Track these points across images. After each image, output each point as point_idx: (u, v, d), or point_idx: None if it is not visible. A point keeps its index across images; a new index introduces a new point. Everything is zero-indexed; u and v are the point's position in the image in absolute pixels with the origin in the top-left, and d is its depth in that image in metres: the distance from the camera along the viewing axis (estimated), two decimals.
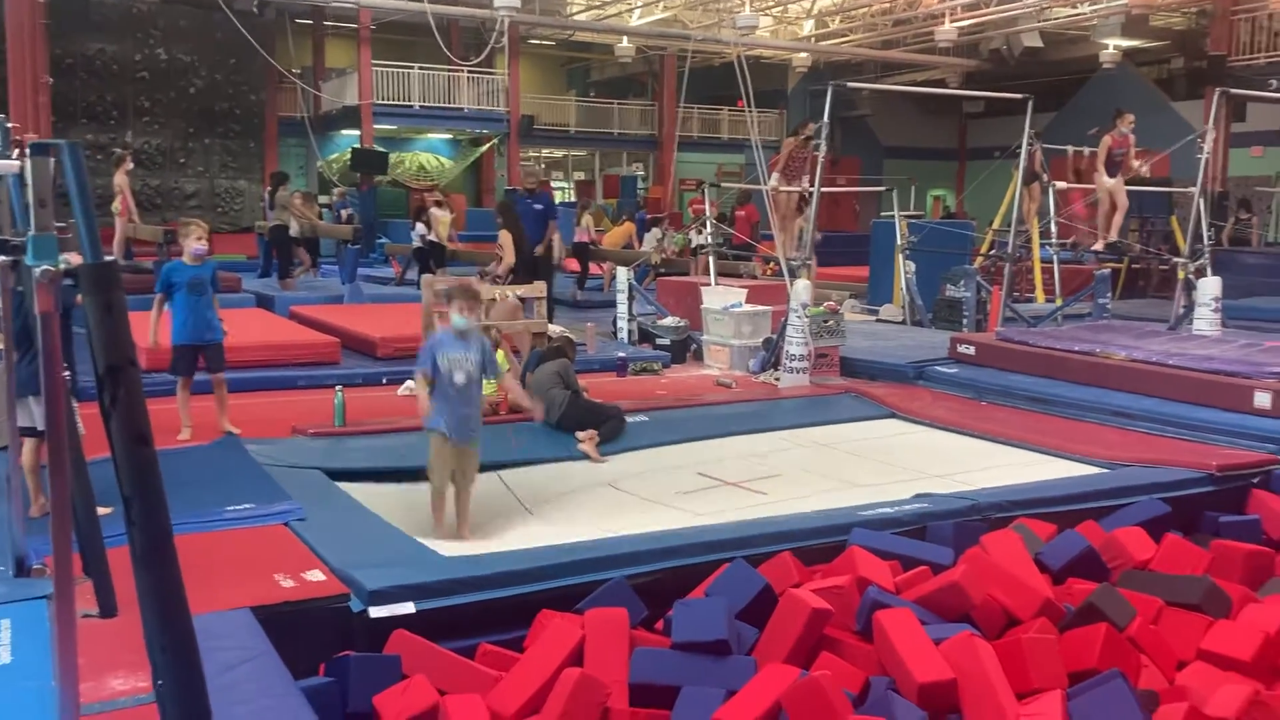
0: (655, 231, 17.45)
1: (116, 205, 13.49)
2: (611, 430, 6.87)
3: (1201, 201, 10.51)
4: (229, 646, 3.26)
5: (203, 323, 6.29)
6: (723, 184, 17.30)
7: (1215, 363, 7.37)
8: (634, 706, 3.48)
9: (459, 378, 5.23)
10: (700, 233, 15.33)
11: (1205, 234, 10.73)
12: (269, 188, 16.42)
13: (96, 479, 3.47)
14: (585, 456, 6.60)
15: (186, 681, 1.78)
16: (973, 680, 3.39)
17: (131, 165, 14.04)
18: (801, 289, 8.75)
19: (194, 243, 6.30)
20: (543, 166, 31.23)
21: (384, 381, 8.34)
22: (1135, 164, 11.42)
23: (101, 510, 3.54)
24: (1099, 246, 11.91)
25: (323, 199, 20.20)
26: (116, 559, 3.40)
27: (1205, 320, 9.65)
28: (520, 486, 6.09)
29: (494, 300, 8.11)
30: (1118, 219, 11.58)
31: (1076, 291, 12.92)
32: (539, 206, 11.34)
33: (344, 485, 5.62)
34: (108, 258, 1.79)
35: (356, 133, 23.28)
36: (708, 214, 13.77)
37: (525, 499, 5.91)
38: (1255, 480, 5.94)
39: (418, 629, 3.72)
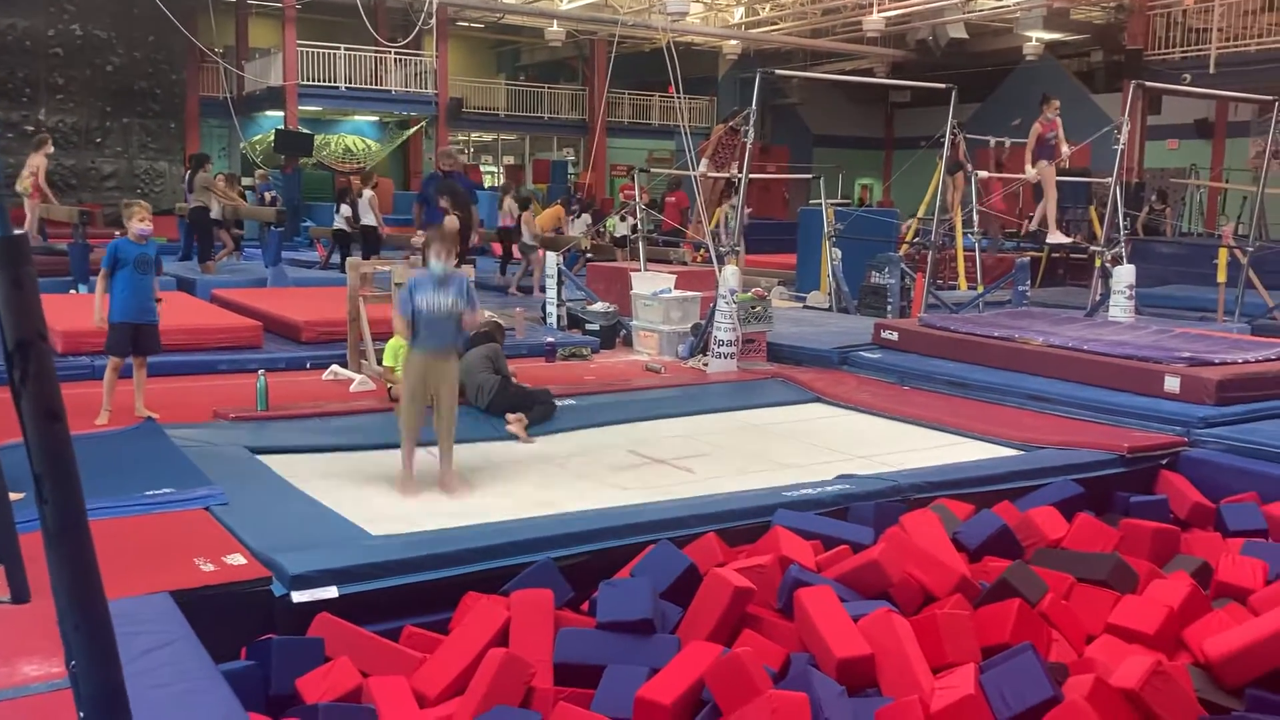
0: (585, 217, 17.43)
1: (25, 185, 13.04)
2: (541, 414, 6.88)
3: (1118, 191, 10.78)
4: (148, 631, 3.22)
5: (144, 302, 6.28)
6: (653, 170, 17.31)
7: (1128, 348, 7.59)
8: (559, 685, 3.51)
9: (439, 311, 5.44)
10: (627, 219, 15.34)
11: (1121, 223, 11.02)
12: (189, 169, 16.08)
13: (8, 464, 3.40)
14: (514, 438, 6.60)
15: (101, 659, 1.76)
16: (890, 655, 3.47)
17: (51, 149, 13.60)
18: (730, 275, 8.82)
19: (137, 223, 6.30)
20: (471, 150, 30.99)
21: (308, 366, 8.26)
22: (1065, 149, 11.60)
23: (13, 495, 3.46)
24: (1047, 235, 12.03)
25: (246, 181, 19.80)
26: (29, 545, 3.34)
27: (1120, 307, 9.92)
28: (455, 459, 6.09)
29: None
30: (1051, 207, 11.80)
31: (998, 279, 13.19)
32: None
33: (268, 459, 5.60)
34: (17, 232, 1.75)
35: (281, 114, 22.88)
36: (637, 200, 13.79)
37: (461, 469, 5.93)
38: (1164, 461, 6.14)
39: (341, 612, 3.70)
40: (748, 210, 12.09)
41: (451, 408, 5.52)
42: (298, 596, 3.74)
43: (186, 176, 15.89)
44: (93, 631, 1.78)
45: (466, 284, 5.64)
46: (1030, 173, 11.56)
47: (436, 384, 5.46)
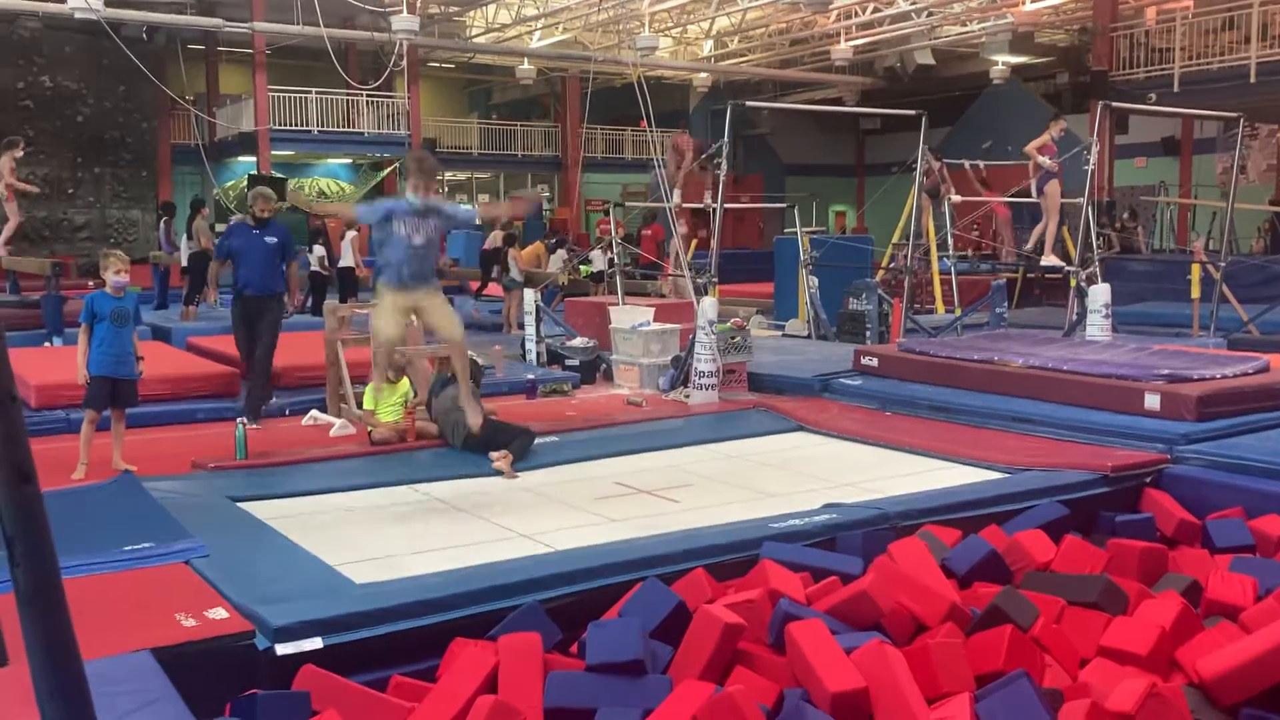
0: (560, 253, 17.43)
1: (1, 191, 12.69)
2: (521, 447, 6.85)
3: (1090, 211, 10.87)
4: (128, 690, 3.15)
5: (122, 355, 6.23)
6: (627, 204, 17.37)
7: (1107, 367, 7.62)
8: None
9: (418, 239, 5.44)
10: (605, 253, 15.35)
11: (1095, 243, 11.10)
12: (163, 217, 16.03)
13: None
14: (498, 473, 6.56)
15: None
16: (883, 688, 3.44)
17: (21, 153, 12.95)
18: (708, 306, 8.83)
19: (113, 275, 6.26)
20: (446, 189, 31.04)
21: (286, 413, 8.18)
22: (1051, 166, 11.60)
23: None
24: (1042, 258, 12.08)
25: (220, 227, 19.75)
26: (6, 606, 3.27)
27: (1097, 326, 9.96)
28: (438, 496, 6.10)
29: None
30: (1051, 230, 11.86)
31: (974, 302, 13.26)
32: (271, 239, 7.98)
33: (249, 507, 5.56)
34: None
35: (254, 159, 22.85)
36: (614, 235, 13.81)
37: (445, 505, 5.92)
38: (1148, 479, 6.14)
39: (327, 663, 3.64)
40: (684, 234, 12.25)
41: (461, 341, 5.59)
42: (282, 649, 3.67)
43: (161, 225, 15.82)
44: (69, 698, 1.73)
45: (446, 210, 5.76)
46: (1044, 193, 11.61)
47: (430, 320, 5.52)
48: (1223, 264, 11.77)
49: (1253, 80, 17.35)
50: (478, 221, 6.10)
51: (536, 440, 7.04)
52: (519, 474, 6.59)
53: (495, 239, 14.74)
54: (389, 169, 25.78)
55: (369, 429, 7.15)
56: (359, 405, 7.57)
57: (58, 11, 17.94)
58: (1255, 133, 21.79)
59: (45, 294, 11.82)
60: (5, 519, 1.72)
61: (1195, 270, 12.24)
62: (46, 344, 11.07)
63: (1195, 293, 12.18)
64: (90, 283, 18.85)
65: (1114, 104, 12.81)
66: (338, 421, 7.64)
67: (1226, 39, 18.30)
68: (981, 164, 16.30)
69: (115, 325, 6.17)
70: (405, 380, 7.40)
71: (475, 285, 15.46)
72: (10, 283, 13.78)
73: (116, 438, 6.31)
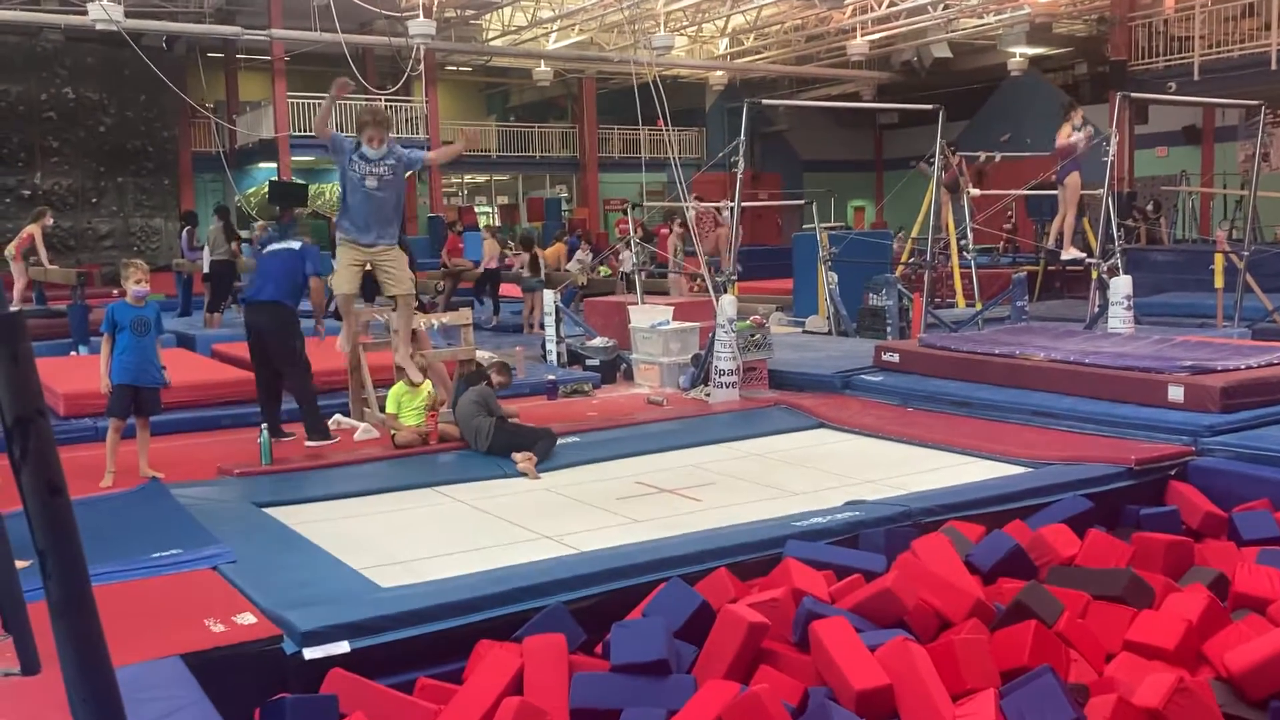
0: (580, 253, 17.46)
1: (10, 251, 13.11)
2: (544, 448, 6.88)
3: (1110, 202, 10.80)
4: (158, 697, 3.19)
5: (144, 363, 6.26)
6: (645, 204, 17.39)
7: (1129, 359, 7.57)
8: None
9: (370, 182, 5.68)
10: (624, 252, 15.38)
11: (1115, 234, 11.03)
12: (185, 225, 16.16)
13: (13, 531, 3.38)
14: (522, 475, 6.60)
15: None
16: (908, 685, 3.44)
17: (50, 222, 13.68)
18: (728, 304, 8.83)
19: (133, 285, 6.32)
20: (465, 192, 31.13)
21: None
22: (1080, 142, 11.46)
23: (20, 564, 3.44)
24: (1061, 252, 12.00)
25: (244, 233, 19.88)
26: (38, 614, 3.32)
27: (1119, 318, 9.90)
28: (461, 499, 6.13)
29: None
30: (1069, 222, 11.77)
31: (995, 295, 13.20)
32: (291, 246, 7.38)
33: (275, 513, 5.60)
34: (12, 309, 1.75)
35: (274, 165, 22.97)
36: (631, 234, 13.83)
37: (469, 507, 5.96)
38: (1172, 472, 6.10)
39: (354, 667, 3.67)
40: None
41: (407, 295, 5.86)
42: (310, 653, 3.71)
43: (183, 233, 15.94)
44: (100, 704, 1.76)
45: (403, 153, 6.00)
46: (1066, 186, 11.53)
47: (382, 274, 5.76)
48: (1246, 253, 11.68)
49: (1274, 67, 17.19)
50: (429, 157, 6.47)
51: (558, 441, 7.07)
52: (542, 475, 6.63)
53: (491, 256, 14.74)
54: (408, 173, 25.86)
55: (392, 432, 7.19)
56: (382, 409, 7.61)
57: (79, 23, 18.11)
58: (1277, 120, 21.57)
59: (71, 303, 11.96)
60: (37, 532, 1.75)
61: (1219, 260, 12.15)
62: (73, 353, 11.20)
63: (1219, 283, 12.08)
64: (114, 291, 19.06)
65: (1133, 94, 12.74)
66: (361, 426, 7.68)
67: (1246, 26, 18.14)
68: (983, 155, 16.19)
69: (136, 334, 6.22)
70: (427, 383, 7.44)
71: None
72: (36, 293, 13.95)
73: (142, 445, 6.36)
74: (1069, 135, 11.43)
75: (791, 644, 3.94)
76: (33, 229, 13.10)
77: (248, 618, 3.88)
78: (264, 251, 7.81)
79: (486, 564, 4.71)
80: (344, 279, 6.14)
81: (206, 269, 14.13)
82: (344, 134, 6.06)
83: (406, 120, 24.64)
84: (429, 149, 5.66)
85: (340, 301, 5.97)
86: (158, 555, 4.63)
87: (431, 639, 3.93)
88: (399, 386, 7.33)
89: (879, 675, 3.47)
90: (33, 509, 1.76)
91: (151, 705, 3.10)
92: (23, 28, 19.35)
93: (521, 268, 14.56)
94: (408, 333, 5.95)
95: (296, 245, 7.53)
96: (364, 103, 21.13)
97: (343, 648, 3.75)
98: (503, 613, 4.08)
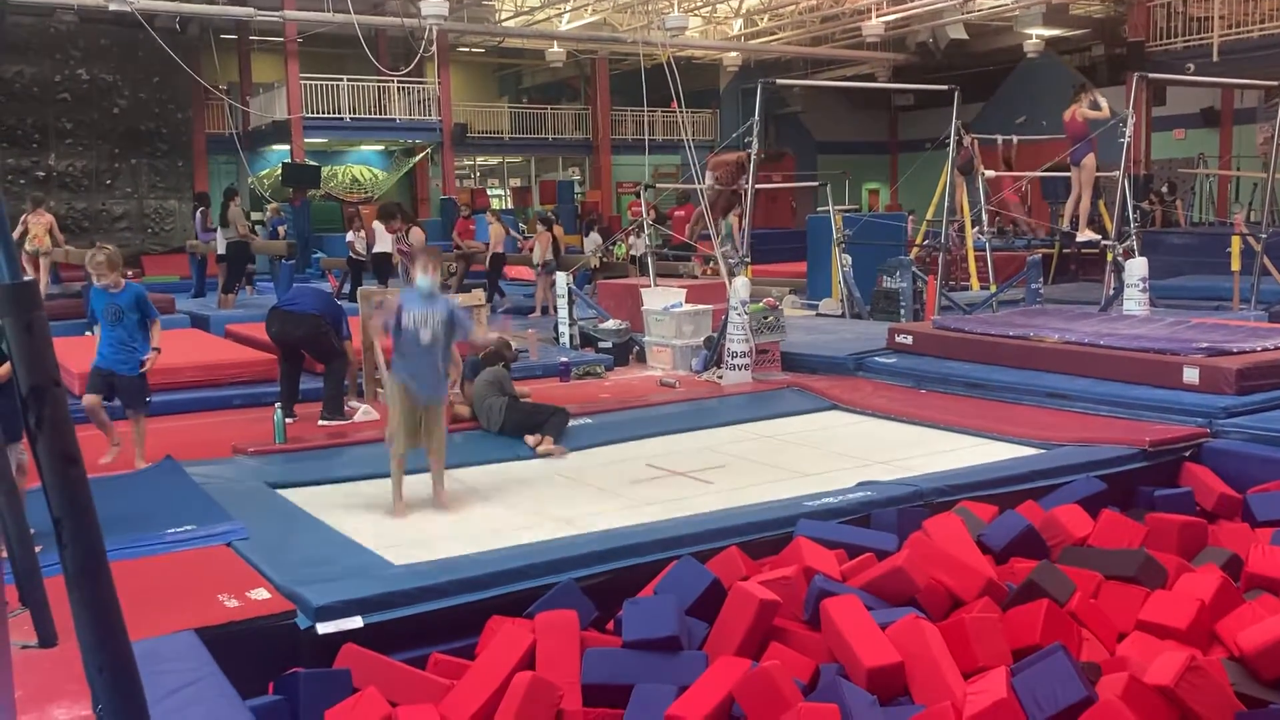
0: (594, 235, 17.42)
1: (43, 243, 13.13)
2: (557, 425, 6.89)
3: (1126, 184, 10.73)
4: (174, 669, 3.22)
5: (118, 351, 6.00)
6: (658, 185, 17.34)
7: (1144, 341, 7.54)
8: (588, 707, 3.49)
9: (424, 335, 5.29)
10: (639, 235, 15.33)
11: (1131, 216, 10.96)
12: (198, 206, 16.19)
13: (31, 509, 3.41)
14: (534, 456, 6.62)
15: (127, 700, 1.76)
16: (919, 662, 3.45)
17: (50, 217, 13.53)
18: (740, 286, 8.81)
19: (96, 279, 6.02)
20: (478, 174, 31.10)
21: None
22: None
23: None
24: (1077, 234, 11.88)
25: (256, 215, 19.91)
26: (55, 588, 3.35)
27: (1134, 301, 9.86)
28: (473, 482, 6.14)
29: None
30: (1085, 204, 11.67)
31: (1010, 278, 13.14)
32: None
33: (288, 492, 5.62)
34: (26, 278, 1.76)
35: (287, 147, 23.00)
36: (644, 217, 13.79)
37: (481, 490, 5.98)
38: (1186, 454, 6.09)
39: (367, 642, 3.70)
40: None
41: (441, 441, 5.46)
42: (323, 628, 3.74)
43: (197, 214, 15.98)
44: (117, 673, 1.78)
45: (454, 304, 5.53)
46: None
47: (429, 426, 5.40)
48: (1264, 235, 11.59)
49: None
50: (475, 332, 5.92)
51: (571, 422, 7.07)
52: (564, 450, 6.68)
53: (498, 240, 14.80)
54: (420, 155, 25.86)
55: None
56: None
57: (92, 4, 18.13)
58: None
59: (85, 284, 11.99)
60: (52, 500, 1.76)
61: (1235, 242, 12.06)
62: (87, 333, 11.24)
63: (1235, 265, 12.00)
64: (129, 272, 19.14)
65: (1151, 75, 12.63)
66: (362, 407, 7.68)
67: (1266, 6, 17.94)
68: (1015, 138, 16.11)
69: (109, 322, 5.97)
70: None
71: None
72: (52, 274, 14.02)
73: (137, 439, 6.15)
74: (1075, 115, 11.28)
75: (803, 622, 3.95)
76: (47, 219, 13.15)
77: (262, 593, 3.91)
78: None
79: (497, 545, 4.72)
80: (400, 433, 5.41)
81: (222, 250, 14.17)
82: (390, 308, 5.56)
83: (419, 102, 24.63)
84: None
85: (395, 456, 5.48)
86: (173, 531, 4.66)
87: (444, 615, 3.95)
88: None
89: (890, 653, 3.48)
90: (48, 477, 1.78)
91: (167, 678, 3.13)
92: (37, 9, 19.39)
93: (530, 250, 14.58)
94: (442, 463, 5.50)
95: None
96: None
97: (356, 623, 3.77)
98: (515, 589, 4.10)
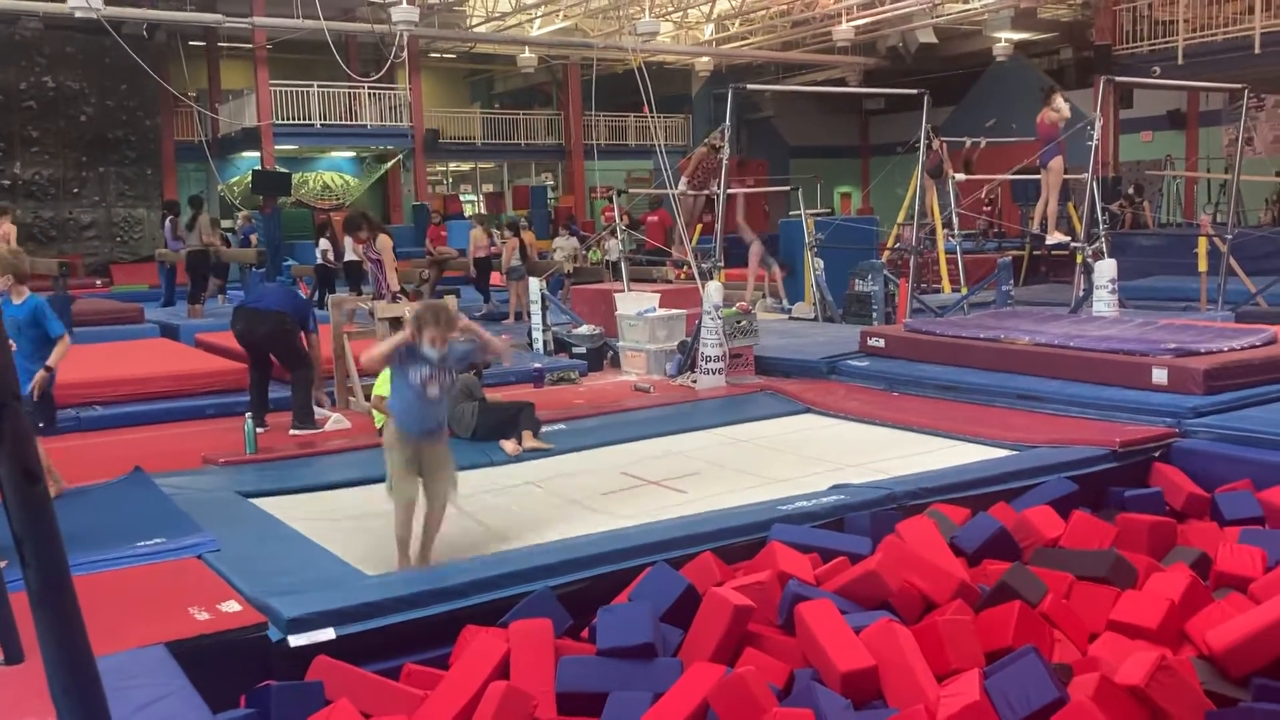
0: (570, 240, 17.39)
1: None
2: (528, 419, 6.90)
3: (1095, 186, 10.83)
4: (143, 684, 3.18)
5: (19, 366, 5.06)
6: (631, 190, 17.35)
7: (1114, 342, 7.60)
8: (562, 715, 3.48)
9: (433, 391, 4.90)
10: (609, 240, 15.34)
11: (1100, 218, 11.06)
12: (165, 215, 16.07)
13: None
14: (508, 460, 6.63)
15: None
16: (893, 666, 3.45)
17: (7, 228, 13.28)
18: (714, 291, 8.83)
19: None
20: (450, 180, 31.01)
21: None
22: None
23: None
24: (1047, 236, 11.93)
25: (226, 224, 19.78)
26: (21, 604, 3.31)
27: (1103, 302, 9.94)
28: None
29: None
30: (1052, 207, 11.73)
31: (981, 280, 13.23)
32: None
33: (260, 502, 5.57)
34: None
35: (257, 154, 22.86)
36: (618, 222, 13.79)
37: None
38: (1156, 454, 6.14)
39: (340, 653, 3.67)
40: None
41: (443, 499, 4.95)
42: (295, 640, 3.70)
43: (166, 223, 15.84)
44: (82, 693, 1.75)
45: (457, 355, 5.16)
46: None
47: (430, 470, 4.91)
48: (1230, 236, 11.72)
49: (1257, 51, 17.24)
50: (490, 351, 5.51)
51: (545, 429, 7.06)
52: (528, 462, 6.62)
53: (479, 245, 14.74)
54: (392, 162, 25.78)
55: (378, 427, 7.15)
56: (367, 398, 7.58)
57: (58, 11, 17.93)
58: (1261, 104, 21.65)
59: (53, 294, 11.85)
60: (13, 519, 1.74)
61: (1202, 243, 12.19)
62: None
63: (1203, 266, 12.13)
64: (98, 281, 18.96)
65: (1118, 78, 12.75)
66: (333, 415, 7.63)
67: (1230, 10, 18.18)
68: (982, 140, 16.23)
69: (12, 334, 5.17)
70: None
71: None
72: None
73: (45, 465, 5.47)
74: (1044, 118, 11.39)
75: (777, 626, 3.95)
76: (6, 228, 12.95)
77: (232, 605, 3.87)
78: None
79: (471, 554, 4.70)
80: (404, 483, 4.89)
81: (183, 258, 14.12)
82: (397, 346, 4.99)
83: (391, 108, 24.54)
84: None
85: (400, 510, 4.95)
86: (141, 544, 4.61)
87: (417, 625, 3.93)
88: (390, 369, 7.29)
89: (864, 657, 3.48)
90: (9, 495, 1.75)
91: (136, 693, 3.09)
92: (1, 15, 19.18)
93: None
94: (436, 527, 5.08)
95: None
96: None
97: (328, 635, 3.74)
98: (489, 598, 4.08)
